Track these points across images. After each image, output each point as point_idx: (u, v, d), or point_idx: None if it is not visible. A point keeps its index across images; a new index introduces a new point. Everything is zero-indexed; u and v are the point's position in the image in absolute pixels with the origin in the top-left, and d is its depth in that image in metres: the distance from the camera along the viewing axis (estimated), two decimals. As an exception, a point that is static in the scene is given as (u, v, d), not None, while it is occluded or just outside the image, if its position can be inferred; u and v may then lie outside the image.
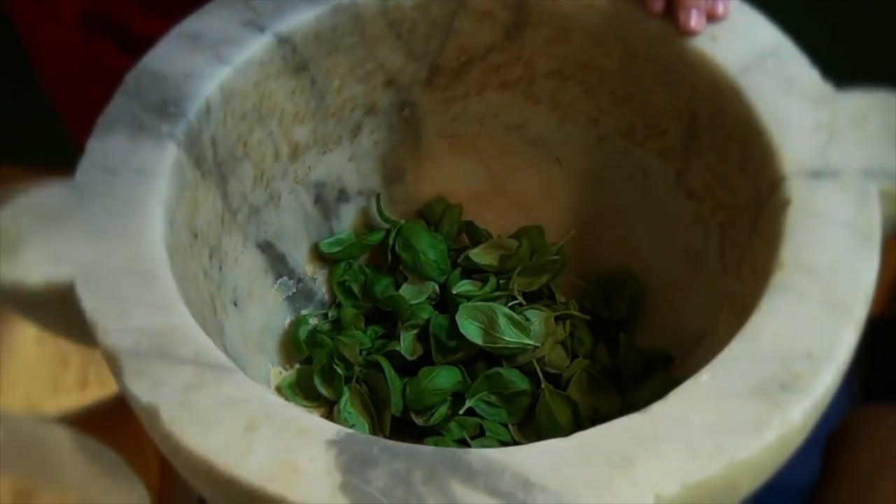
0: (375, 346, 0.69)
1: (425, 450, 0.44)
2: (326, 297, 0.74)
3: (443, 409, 0.66)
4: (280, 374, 0.69)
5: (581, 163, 0.72)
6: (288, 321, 0.71)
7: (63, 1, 0.82)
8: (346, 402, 0.66)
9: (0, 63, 1.15)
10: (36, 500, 0.82)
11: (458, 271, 0.72)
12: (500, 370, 0.66)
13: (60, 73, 0.89)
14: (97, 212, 0.53)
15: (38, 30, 0.86)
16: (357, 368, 0.67)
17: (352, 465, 0.43)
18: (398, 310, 0.69)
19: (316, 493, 0.42)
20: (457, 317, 0.65)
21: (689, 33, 0.59)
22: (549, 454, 0.43)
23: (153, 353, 0.47)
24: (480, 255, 0.72)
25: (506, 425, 0.66)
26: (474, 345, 0.65)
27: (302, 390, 0.68)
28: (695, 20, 0.59)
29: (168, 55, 0.60)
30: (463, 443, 0.65)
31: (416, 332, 0.68)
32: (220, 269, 0.62)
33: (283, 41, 0.62)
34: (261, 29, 0.61)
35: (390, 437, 0.45)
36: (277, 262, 0.70)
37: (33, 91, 0.94)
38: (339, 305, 0.72)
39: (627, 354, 0.67)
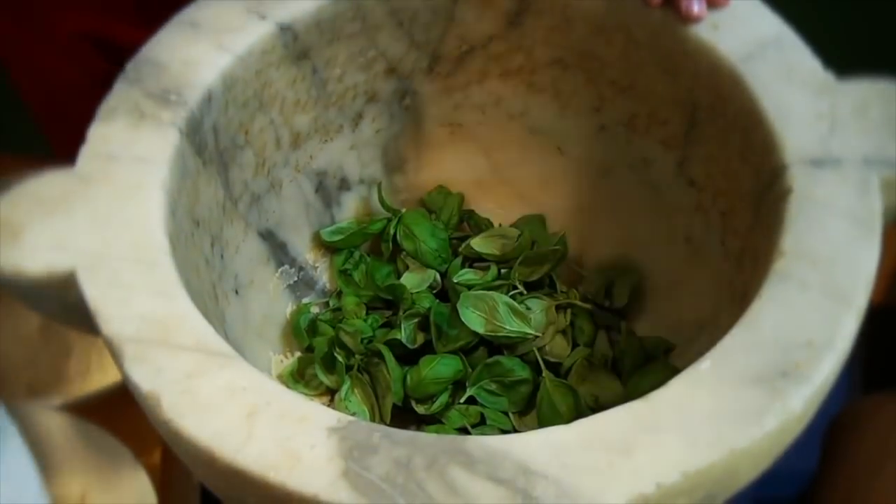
0: (376, 335, 0.69)
1: (426, 437, 0.44)
2: (328, 285, 0.74)
3: (443, 398, 0.66)
4: (281, 362, 0.69)
5: (582, 152, 0.72)
6: (289, 309, 0.71)
7: (53, 22, 0.82)
8: (348, 390, 0.66)
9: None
10: (38, 487, 0.82)
11: (459, 260, 0.72)
12: (501, 359, 0.66)
13: (44, 89, 0.88)
14: (98, 199, 0.53)
15: (21, 49, 0.85)
16: (358, 357, 0.67)
17: (353, 453, 0.43)
18: (399, 298, 0.70)
19: (317, 480, 0.42)
20: (458, 305, 0.65)
21: (690, 20, 0.59)
22: (550, 442, 0.43)
23: (155, 340, 0.47)
24: (482, 244, 0.72)
25: (506, 413, 0.66)
26: (475, 333, 0.66)
27: (303, 378, 0.68)
28: (697, 7, 0.59)
29: (169, 43, 0.60)
30: (463, 431, 0.65)
31: (417, 320, 0.68)
32: (222, 257, 0.62)
33: (284, 29, 0.62)
34: (262, 17, 0.61)
35: (391, 426, 0.45)
36: (279, 251, 0.70)
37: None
38: (340, 294, 0.72)
39: (628, 343, 0.67)
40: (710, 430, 0.43)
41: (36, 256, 0.50)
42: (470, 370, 0.66)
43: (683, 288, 0.66)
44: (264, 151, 0.65)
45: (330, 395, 0.68)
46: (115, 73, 0.58)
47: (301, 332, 0.69)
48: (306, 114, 0.67)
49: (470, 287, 0.69)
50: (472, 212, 0.75)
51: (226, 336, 0.57)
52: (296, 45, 0.63)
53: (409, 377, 0.66)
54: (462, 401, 0.65)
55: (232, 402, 0.45)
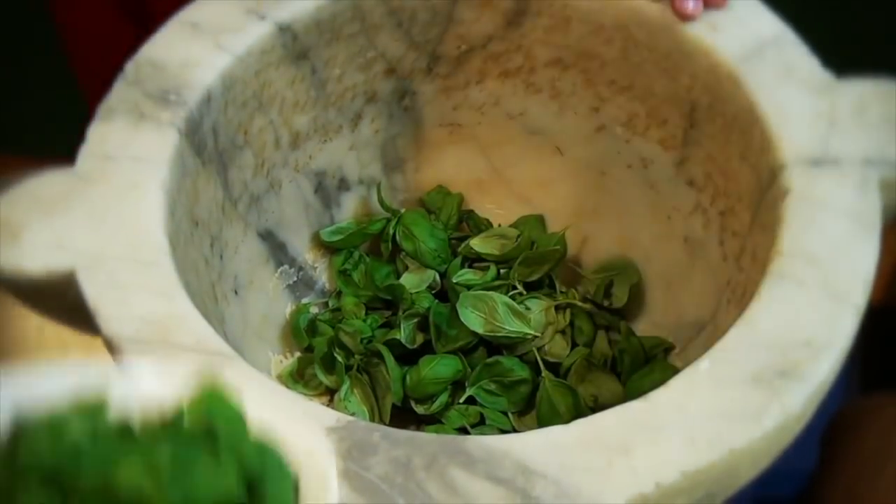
0: (376, 335, 0.69)
1: (425, 437, 0.44)
2: (327, 285, 0.74)
3: (443, 398, 0.66)
4: (281, 362, 0.69)
5: (581, 152, 0.72)
6: (288, 310, 0.71)
7: None
8: (347, 390, 0.66)
9: None
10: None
11: (458, 260, 0.72)
12: (500, 358, 0.66)
13: (90, 56, 0.89)
14: (98, 199, 0.53)
15: (71, 12, 0.86)
16: (358, 357, 0.67)
17: (352, 453, 0.43)
18: (399, 298, 0.69)
19: (316, 479, 0.42)
20: (457, 305, 0.65)
21: (685, 18, 0.59)
22: (549, 441, 0.43)
23: (154, 340, 0.47)
24: (481, 245, 0.72)
25: (506, 413, 0.66)
26: (475, 333, 0.65)
27: (303, 378, 0.68)
28: (692, 5, 0.59)
29: (168, 43, 0.60)
30: (463, 431, 0.65)
31: (416, 320, 0.68)
32: (221, 257, 0.62)
33: (283, 29, 0.62)
34: (261, 17, 0.61)
35: (391, 426, 0.45)
36: (278, 251, 0.70)
37: (31, 80, 0.94)
38: (339, 294, 0.72)
39: (628, 343, 0.67)
40: (710, 429, 0.43)
41: (35, 256, 0.50)
42: (469, 370, 0.66)
43: (682, 288, 0.66)
44: (263, 152, 0.65)
45: (329, 395, 0.68)
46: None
47: (300, 333, 0.69)
48: (305, 114, 0.67)
49: (469, 287, 0.69)
50: (471, 212, 0.75)
51: (225, 336, 0.57)
52: (295, 46, 0.63)
53: (408, 377, 0.65)
54: (462, 401, 0.65)
55: (231, 401, 0.45)
